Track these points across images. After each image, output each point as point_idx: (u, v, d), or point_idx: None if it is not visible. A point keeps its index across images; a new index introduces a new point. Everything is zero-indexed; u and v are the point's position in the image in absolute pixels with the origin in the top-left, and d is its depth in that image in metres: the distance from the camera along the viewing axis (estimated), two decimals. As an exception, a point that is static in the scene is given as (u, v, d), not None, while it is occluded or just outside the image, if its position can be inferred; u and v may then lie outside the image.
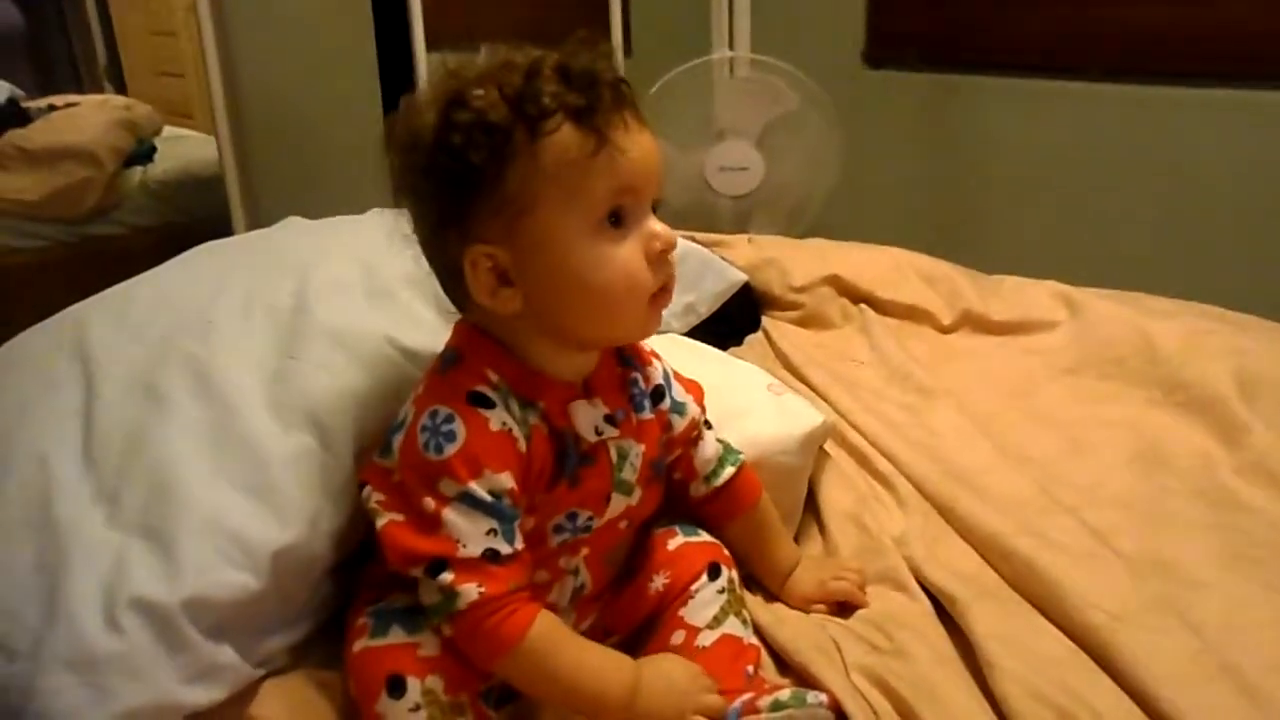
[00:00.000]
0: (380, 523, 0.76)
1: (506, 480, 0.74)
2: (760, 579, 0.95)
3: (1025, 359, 1.28)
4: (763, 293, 1.48)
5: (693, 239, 1.42)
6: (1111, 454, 1.09)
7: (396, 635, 0.76)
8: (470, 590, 0.72)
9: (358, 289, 0.99)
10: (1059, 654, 0.82)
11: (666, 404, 0.89)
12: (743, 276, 1.39)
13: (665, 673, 0.79)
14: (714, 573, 0.88)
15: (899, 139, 2.53)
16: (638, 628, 0.89)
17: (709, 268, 1.32)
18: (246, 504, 0.81)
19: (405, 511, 0.75)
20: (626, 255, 0.75)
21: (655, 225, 0.76)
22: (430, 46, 1.95)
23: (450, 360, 0.79)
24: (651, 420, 0.86)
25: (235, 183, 2.19)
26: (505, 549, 0.73)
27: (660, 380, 0.89)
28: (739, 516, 0.94)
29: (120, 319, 0.97)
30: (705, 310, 1.30)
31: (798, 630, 0.88)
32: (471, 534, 0.73)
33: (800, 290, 1.46)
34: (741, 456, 0.95)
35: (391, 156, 0.77)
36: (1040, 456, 1.10)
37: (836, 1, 2.57)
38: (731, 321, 1.43)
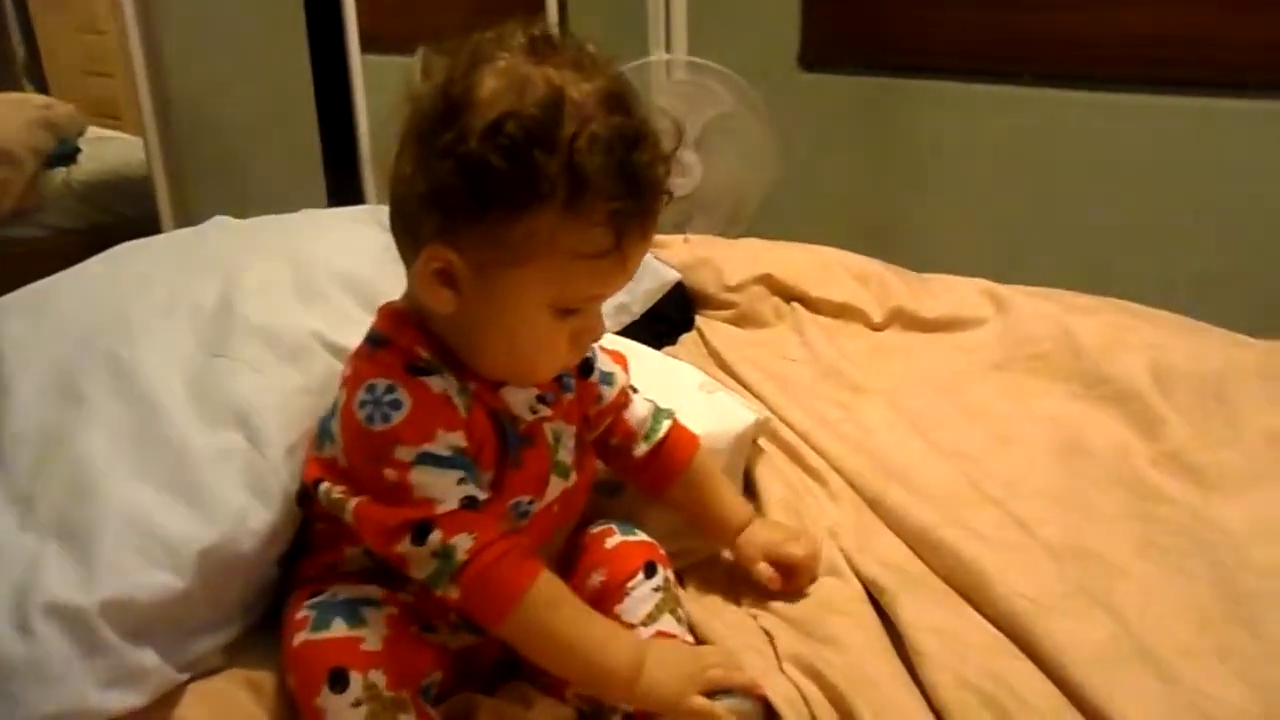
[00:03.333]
0: (349, 509, 0.75)
1: (460, 439, 0.74)
2: (714, 535, 0.95)
3: (955, 355, 1.31)
4: (697, 292, 1.49)
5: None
6: (1037, 447, 1.11)
7: (339, 628, 0.75)
8: (464, 540, 0.72)
9: (286, 287, 0.97)
10: (985, 641, 0.84)
11: (595, 375, 0.90)
12: (675, 275, 1.39)
13: (670, 653, 0.80)
14: (650, 571, 0.88)
15: (834, 141, 2.56)
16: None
17: (643, 267, 1.32)
18: (169, 503, 0.79)
19: (368, 491, 0.74)
20: (558, 340, 0.77)
21: (595, 321, 0.78)
22: (364, 48, 1.93)
23: (378, 342, 0.79)
24: (576, 399, 0.87)
25: (163, 184, 2.15)
26: (481, 495, 0.74)
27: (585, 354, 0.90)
28: (681, 474, 0.94)
29: (36, 317, 0.94)
30: (638, 309, 1.30)
31: (730, 625, 0.89)
32: (444, 487, 0.72)
33: (734, 289, 1.47)
34: (673, 412, 0.96)
35: (411, 105, 0.71)
36: (969, 450, 1.12)
37: (771, 5, 2.60)
38: (667, 320, 1.44)
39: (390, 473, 0.72)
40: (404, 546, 0.72)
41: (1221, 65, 1.91)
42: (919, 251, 1.68)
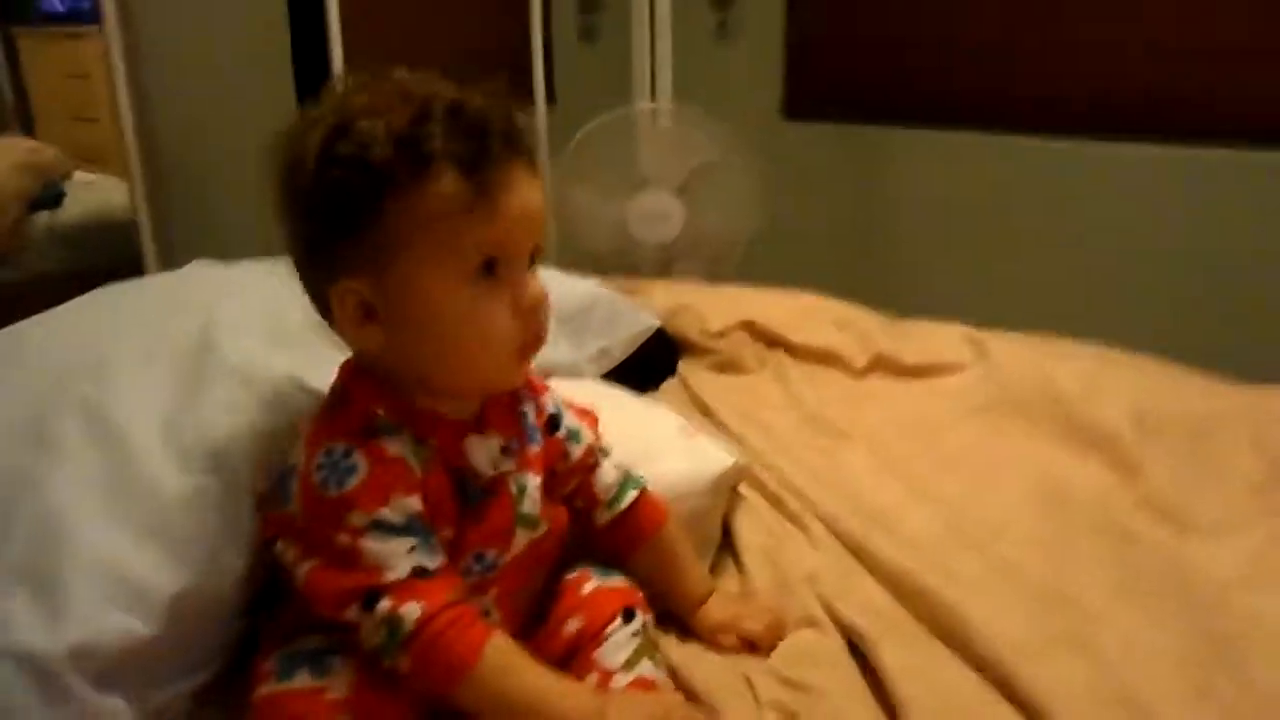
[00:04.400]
0: (301, 573, 0.74)
1: (415, 503, 0.73)
2: (672, 607, 0.94)
3: (935, 401, 1.31)
4: (680, 338, 1.49)
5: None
6: (1017, 492, 1.11)
7: (302, 679, 0.74)
8: (412, 609, 0.70)
9: (261, 330, 0.97)
10: (966, 687, 0.83)
11: (562, 432, 0.90)
12: (655, 321, 1.40)
13: (631, 704, 0.78)
14: (628, 616, 0.87)
15: (817, 189, 2.59)
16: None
17: (620, 313, 1.33)
18: (140, 547, 0.78)
19: (320, 555, 0.73)
20: (492, 311, 0.75)
21: (527, 280, 0.76)
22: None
23: (337, 400, 0.79)
24: (543, 451, 0.86)
25: (148, 228, 2.14)
26: (431, 563, 0.72)
27: (552, 409, 0.90)
28: (645, 543, 0.93)
29: (7, 359, 0.94)
30: (620, 354, 1.30)
31: (710, 671, 0.88)
32: (394, 555, 0.71)
33: (716, 335, 1.48)
34: (643, 481, 0.94)
35: (274, 171, 0.76)
36: (948, 496, 1.12)
37: (755, 54, 2.65)
38: (650, 367, 1.44)
39: (343, 538, 0.71)
40: (354, 613, 0.71)
41: (1194, 118, 1.95)
42: (899, 297, 1.69)
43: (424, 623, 0.70)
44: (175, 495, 0.81)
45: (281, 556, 0.76)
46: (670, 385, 1.43)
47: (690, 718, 0.79)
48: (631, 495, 0.93)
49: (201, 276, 1.13)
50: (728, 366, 1.46)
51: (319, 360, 0.91)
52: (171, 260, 2.16)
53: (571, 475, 0.91)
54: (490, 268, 0.74)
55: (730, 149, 2.12)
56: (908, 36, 2.40)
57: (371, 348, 0.76)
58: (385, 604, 0.70)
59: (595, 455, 0.93)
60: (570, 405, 0.92)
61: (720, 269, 2.23)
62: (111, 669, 0.72)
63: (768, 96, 2.65)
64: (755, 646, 0.90)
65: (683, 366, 1.46)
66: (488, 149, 0.72)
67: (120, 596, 0.74)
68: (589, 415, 0.94)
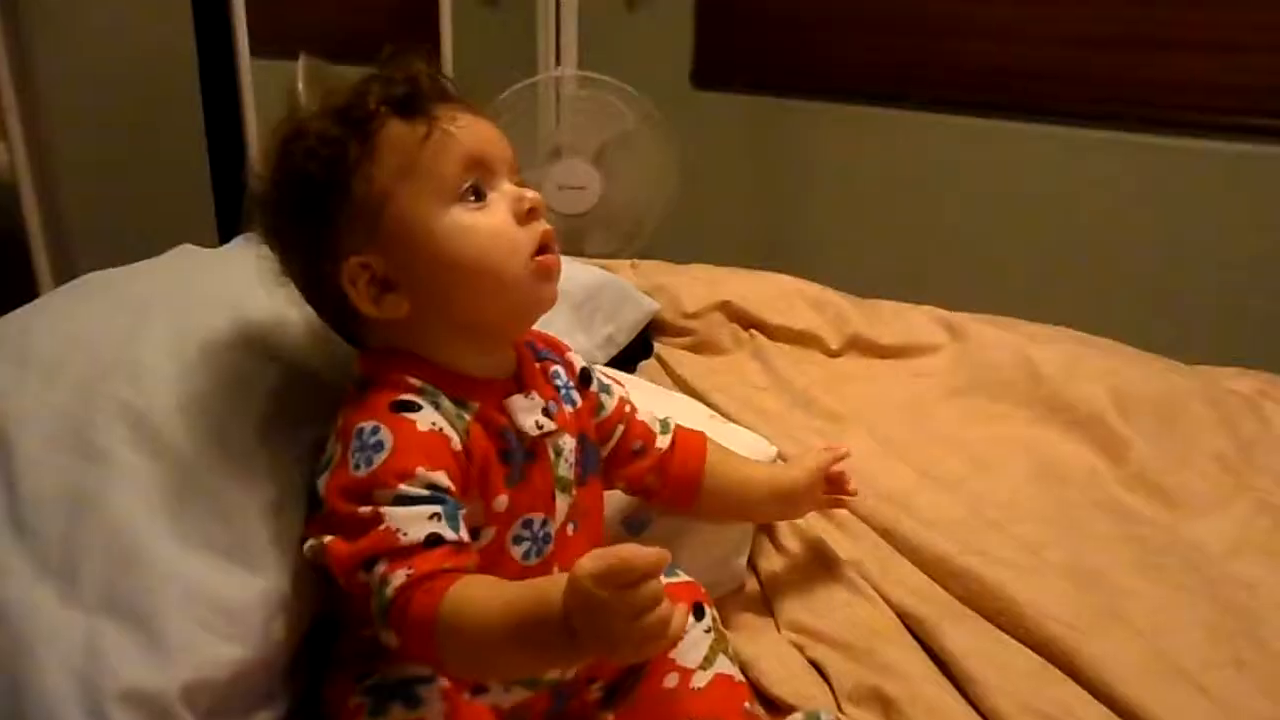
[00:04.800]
0: (323, 546, 0.70)
1: (442, 478, 0.70)
2: (769, 511, 1.00)
3: (914, 381, 1.36)
4: (654, 319, 1.49)
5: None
6: (1015, 472, 1.17)
7: (397, 713, 0.71)
8: (399, 575, 0.65)
9: (299, 324, 0.91)
10: (1030, 666, 0.88)
11: (595, 385, 0.90)
12: (655, 304, 1.39)
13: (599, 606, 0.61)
14: (699, 613, 0.88)
15: (728, 160, 2.62)
16: (624, 672, 0.87)
17: (626, 297, 1.32)
18: (219, 564, 0.73)
19: (342, 530, 0.69)
20: (491, 218, 0.76)
21: (514, 190, 0.78)
22: (254, 52, 1.83)
23: (362, 385, 0.76)
24: (577, 411, 0.86)
25: (30, 191, 1.95)
26: (449, 534, 0.68)
27: (582, 364, 0.90)
28: (705, 462, 0.94)
29: (21, 360, 0.84)
30: (623, 340, 1.30)
31: (780, 660, 0.90)
32: (414, 521, 0.68)
33: (692, 316, 1.48)
34: (672, 421, 0.96)
35: (254, 215, 0.80)
36: (949, 477, 1.17)
37: (664, 23, 2.63)
38: (625, 348, 1.43)
39: (366, 510, 0.68)
40: (361, 577, 0.68)
41: (1091, 99, 2.08)
42: (810, 269, 1.73)
43: (403, 589, 0.65)
44: (244, 505, 0.77)
45: (310, 551, 0.72)
46: (647, 366, 1.43)
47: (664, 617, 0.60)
48: (672, 422, 0.95)
49: (206, 266, 1.04)
50: (704, 347, 1.46)
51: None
52: (58, 225, 1.98)
53: (612, 423, 0.91)
54: (477, 194, 0.76)
55: (645, 117, 2.11)
56: (818, 8, 2.44)
57: (398, 315, 0.76)
58: (381, 567, 0.66)
59: (630, 402, 0.93)
60: (597, 369, 0.93)
61: (634, 240, 2.23)
62: (219, 701, 0.68)
63: (677, 65, 2.64)
64: (839, 483, 0.98)
65: (659, 348, 1.46)
66: (419, 89, 0.76)
67: (216, 621, 0.70)
68: (615, 378, 0.95)
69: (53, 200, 1.99)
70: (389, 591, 0.65)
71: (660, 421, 0.95)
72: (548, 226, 0.78)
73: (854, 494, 0.99)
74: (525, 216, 0.77)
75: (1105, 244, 2.13)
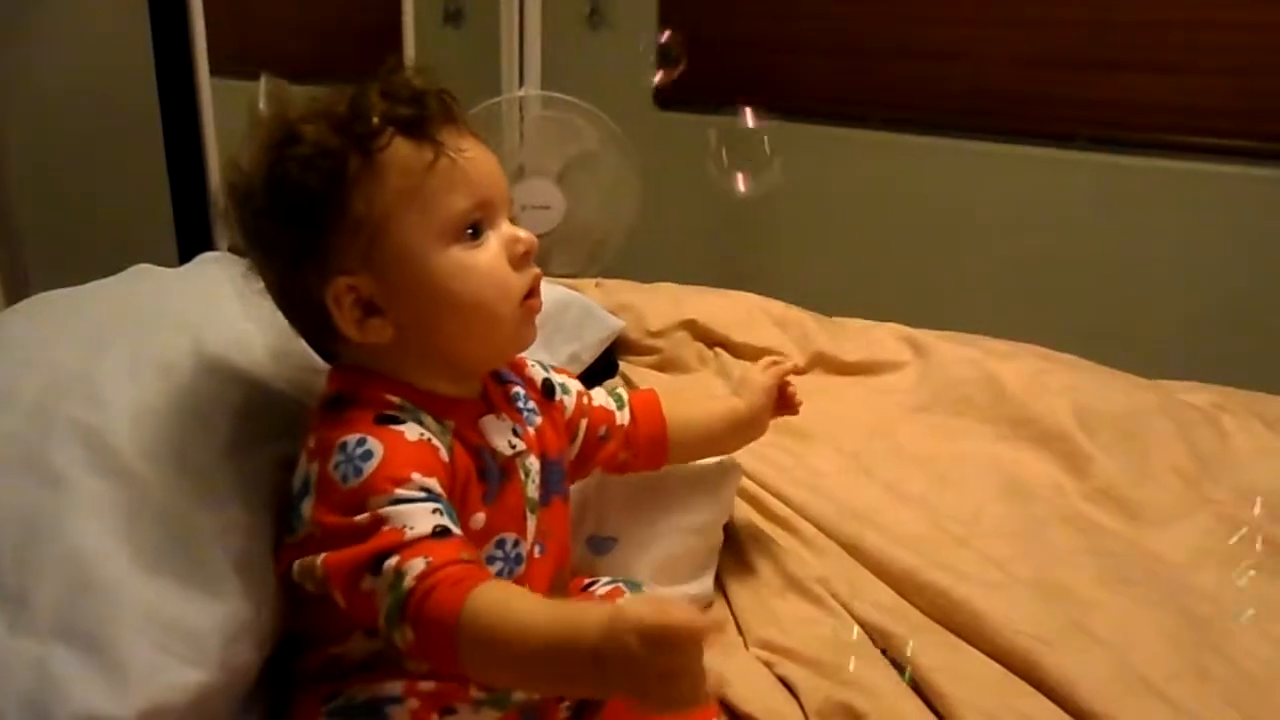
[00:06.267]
0: (319, 564, 0.68)
1: (435, 484, 0.70)
2: (740, 435, 1.02)
3: (879, 398, 1.37)
4: (619, 338, 1.48)
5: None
6: (979, 486, 1.18)
7: None
8: (416, 564, 0.64)
9: (259, 345, 0.90)
10: (997, 679, 0.88)
11: (557, 395, 0.91)
12: (620, 322, 1.39)
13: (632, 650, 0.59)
14: None
15: (690, 180, 2.62)
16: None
17: (590, 316, 1.32)
18: (177, 587, 0.72)
19: (337, 543, 0.68)
20: (489, 260, 0.75)
21: (509, 229, 0.77)
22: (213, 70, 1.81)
23: (337, 402, 0.75)
24: (539, 431, 0.85)
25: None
26: (455, 528, 0.68)
27: (542, 375, 0.91)
28: (664, 417, 0.96)
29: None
30: (588, 358, 1.29)
31: (747, 681, 0.89)
32: (417, 515, 0.67)
33: (657, 335, 1.48)
34: (623, 393, 0.98)
35: (231, 212, 0.76)
36: (919, 493, 1.17)
37: (627, 43, 2.64)
38: (590, 367, 1.43)
39: (362, 518, 0.67)
40: (368, 583, 0.66)
41: (1049, 118, 2.11)
42: (770, 288, 1.74)
43: (424, 576, 0.63)
44: (202, 527, 0.75)
45: (298, 573, 0.71)
46: (611, 385, 1.42)
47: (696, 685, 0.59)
48: (623, 393, 0.97)
49: (163, 287, 1.03)
50: (669, 366, 1.47)
51: (322, 371, 0.86)
52: (14, 247, 1.95)
53: (577, 420, 0.92)
54: (475, 231, 0.75)
55: (609, 137, 2.11)
56: (781, 29, 2.46)
57: (381, 341, 0.75)
58: (393, 560, 0.64)
59: (586, 393, 0.94)
60: (551, 366, 0.94)
61: (597, 261, 2.23)
62: (176, 727, 0.66)
63: (639, 85, 2.65)
64: (787, 397, 1.03)
65: (624, 366, 1.46)
66: (427, 109, 0.74)
67: (175, 646, 0.68)
68: (563, 370, 0.96)
69: (8, 219, 1.96)
70: (407, 582, 0.63)
71: (615, 397, 0.96)
72: (538, 270, 0.79)
73: (800, 405, 1.04)
74: (519, 260, 0.77)
75: (1064, 261, 2.16)
